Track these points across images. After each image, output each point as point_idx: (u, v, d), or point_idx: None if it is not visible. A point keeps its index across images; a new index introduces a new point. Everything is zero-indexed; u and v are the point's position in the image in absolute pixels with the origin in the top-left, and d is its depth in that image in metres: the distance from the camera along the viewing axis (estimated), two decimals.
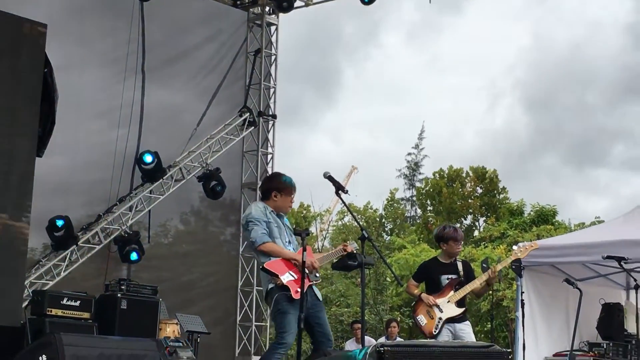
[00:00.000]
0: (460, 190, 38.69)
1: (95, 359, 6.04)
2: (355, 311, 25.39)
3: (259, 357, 9.06)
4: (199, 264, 12.26)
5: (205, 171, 11.54)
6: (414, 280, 7.51)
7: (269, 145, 12.99)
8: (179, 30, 11.95)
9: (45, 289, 9.37)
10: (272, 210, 6.04)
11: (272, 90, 13.09)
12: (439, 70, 58.68)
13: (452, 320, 7.04)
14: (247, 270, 12.44)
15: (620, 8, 52.96)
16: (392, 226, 39.84)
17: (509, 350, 5.05)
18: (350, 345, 11.90)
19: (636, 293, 7.94)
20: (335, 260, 6.28)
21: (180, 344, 8.52)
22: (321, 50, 56.91)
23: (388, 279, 27.27)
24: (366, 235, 5.52)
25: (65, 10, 10.51)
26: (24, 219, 7.91)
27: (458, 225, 31.58)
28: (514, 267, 7.92)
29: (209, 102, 12.15)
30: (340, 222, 37.13)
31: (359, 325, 11.79)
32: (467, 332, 7.09)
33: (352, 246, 6.11)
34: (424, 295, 7.18)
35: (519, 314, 8.92)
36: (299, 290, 5.54)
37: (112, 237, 10.59)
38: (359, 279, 18.97)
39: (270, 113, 12.98)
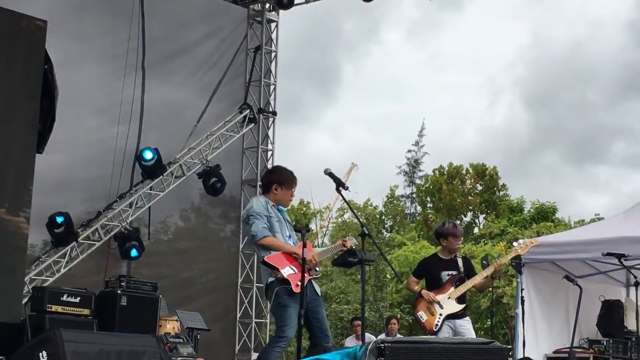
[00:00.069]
0: (460, 187, 38.69)
1: (95, 355, 6.03)
2: (355, 308, 25.39)
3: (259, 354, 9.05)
4: (199, 260, 12.25)
5: (206, 168, 11.52)
6: (414, 276, 7.50)
7: (269, 142, 12.97)
8: (179, 26, 11.93)
9: (45, 285, 9.37)
10: (273, 205, 6.05)
11: (272, 87, 13.07)
12: (439, 67, 58.76)
13: (452, 316, 7.05)
14: (247, 267, 12.43)
15: (621, 5, 53.03)
16: (392, 223, 39.86)
17: (509, 347, 5.05)
18: (350, 342, 11.90)
19: (636, 290, 7.95)
20: (335, 256, 6.28)
21: (180, 341, 8.54)
22: (321, 47, 57.00)
23: (388, 275, 27.29)
24: (366, 232, 5.52)
25: (65, 6, 10.49)
26: (23, 215, 7.90)
27: (458, 222, 31.56)
28: (514, 264, 7.92)
29: (209, 99, 12.13)
30: (340, 219, 37.17)
31: (359, 322, 11.80)
32: (467, 329, 7.09)
33: (351, 242, 6.10)
34: (424, 292, 7.18)
35: (519, 310, 8.94)
36: (299, 284, 5.54)
37: (112, 233, 10.58)
38: (359, 276, 18.96)
39: (271, 110, 12.96)
